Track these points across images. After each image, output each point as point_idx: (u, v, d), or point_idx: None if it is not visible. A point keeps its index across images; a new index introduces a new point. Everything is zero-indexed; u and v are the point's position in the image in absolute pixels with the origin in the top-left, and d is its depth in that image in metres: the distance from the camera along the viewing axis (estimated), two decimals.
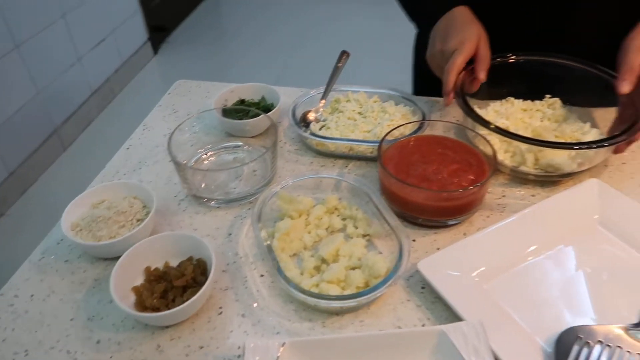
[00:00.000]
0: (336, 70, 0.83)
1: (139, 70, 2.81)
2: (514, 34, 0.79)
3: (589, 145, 0.60)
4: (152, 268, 0.57)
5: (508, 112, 0.74)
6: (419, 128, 0.71)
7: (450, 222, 0.63)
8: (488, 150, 0.63)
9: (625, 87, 0.62)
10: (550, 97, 0.77)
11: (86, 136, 2.34)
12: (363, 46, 2.59)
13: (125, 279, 0.55)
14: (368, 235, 0.62)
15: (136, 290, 0.54)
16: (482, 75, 0.71)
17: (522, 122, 0.73)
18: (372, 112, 0.78)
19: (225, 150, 0.77)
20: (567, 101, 0.76)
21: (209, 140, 0.78)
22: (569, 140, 0.68)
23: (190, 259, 0.57)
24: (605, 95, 0.71)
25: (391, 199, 0.64)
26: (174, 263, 0.58)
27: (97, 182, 0.74)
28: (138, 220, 0.62)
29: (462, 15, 0.75)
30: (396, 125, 0.70)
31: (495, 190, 0.68)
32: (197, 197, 0.69)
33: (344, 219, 0.64)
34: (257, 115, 0.75)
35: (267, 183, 0.70)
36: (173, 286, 0.54)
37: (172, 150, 0.67)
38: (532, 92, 0.78)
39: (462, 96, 0.68)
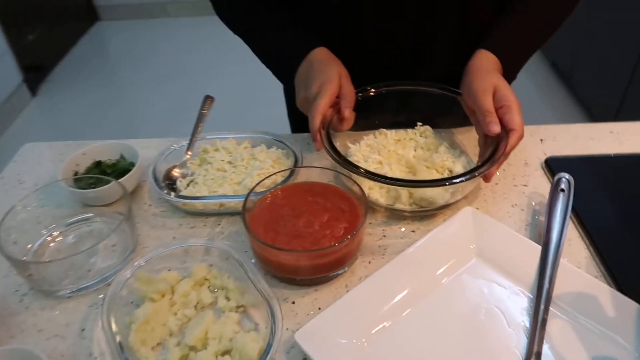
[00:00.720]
0: (201, 117, 0.77)
1: (17, 115, 2.56)
2: (374, 67, 0.77)
3: (458, 177, 0.58)
4: None
5: (381, 145, 0.72)
6: (290, 176, 0.66)
7: (332, 275, 0.59)
8: (360, 192, 0.60)
9: (494, 127, 0.62)
10: (421, 125, 0.76)
11: None
12: (245, 86, 2.55)
13: None
14: (242, 306, 0.56)
15: None
16: (347, 113, 0.68)
17: (395, 154, 0.71)
18: (241, 160, 0.73)
19: (78, 225, 0.68)
20: (436, 125, 0.76)
21: (60, 213, 0.68)
22: (439, 170, 0.67)
23: None
24: (462, 114, 0.72)
25: (263, 262, 0.58)
26: None
27: None
28: None
29: (320, 56, 0.73)
30: (265, 176, 0.65)
31: (375, 231, 0.65)
32: (43, 289, 0.59)
33: (214, 291, 0.58)
34: (108, 182, 0.66)
35: (128, 257, 0.62)
36: None
37: (2, 242, 0.57)
38: (404, 121, 0.77)
39: (329, 141, 0.65)
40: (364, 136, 0.76)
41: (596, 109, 2.27)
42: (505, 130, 0.62)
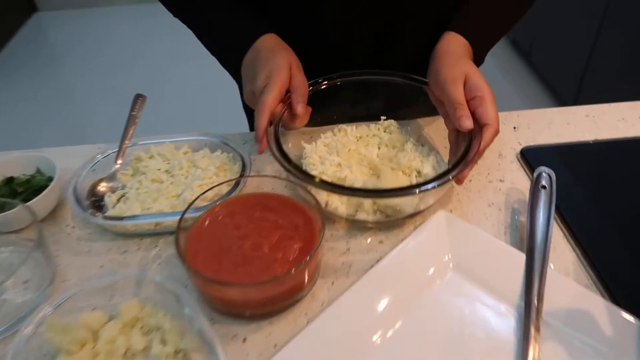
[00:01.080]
0: (131, 120, 0.66)
1: None
2: (334, 58, 0.68)
3: (428, 183, 0.50)
4: None
5: (340, 144, 0.63)
6: (235, 187, 0.57)
7: (288, 303, 0.50)
8: (315, 203, 0.51)
9: (466, 122, 0.54)
10: (385, 119, 0.67)
11: None
12: (200, 80, 2.40)
13: None
14: (182, 350, 0.47)
15: None
16: (299, 109, 0.59)
17: (356, 154, 0.62)
18: (180, 168, 0.63)
19: None
20: (400, 117, 0.68)
21: None
22: (406, 171, 0.59)
23: None
24: (429, 105, 0.64)
25: (205, 296, 0.49)
26: None
27: None
28: None
29: (267, 43, 0.63)
30: (206, 188, 0.55)
31: (337, 246, 0.57)
32: None
33: (148, 333, 0.48)
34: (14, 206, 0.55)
35: (43, 294, 0.52)
36: None
37: None
38: (365, 114, 0.69)
39: (277, 143, 0.55)
40: (322, 134, 0.67)
41: (558, 85, 2.25)
42: (479, 124, 0.55)
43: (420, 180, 0.58)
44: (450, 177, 0.50)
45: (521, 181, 0.65)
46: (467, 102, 0.55)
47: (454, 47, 0.60)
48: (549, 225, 0.54)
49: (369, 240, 0.57)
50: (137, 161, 0.65)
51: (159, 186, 0.61)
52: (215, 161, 0.63)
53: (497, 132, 0.55)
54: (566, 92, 2.15)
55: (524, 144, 0.71)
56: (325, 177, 0.58)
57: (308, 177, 0.51)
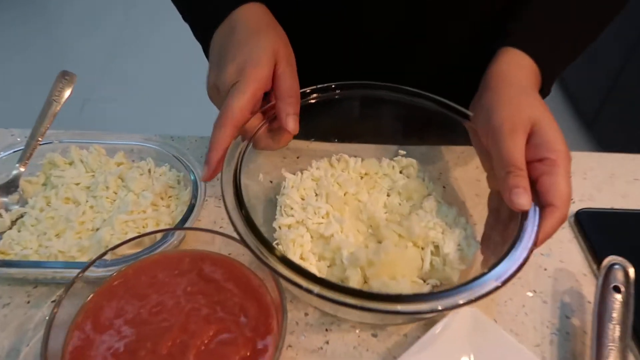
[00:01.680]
0: (48, 107, 0.48)
1: None
2: (334, 43, 0.49)
3: (447, 295, 0.32)
4: None
5: (335, 182, 0.45)
6: (165, 240, 0.38)
7: None
8: (276, 292, 0.33)
9: (521, 201, 0.35)
10: (404, 156, 0.49)
11: None
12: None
13: None
14: None
15: None
16: (290, 123, 0.40)
17: (355, 201, 0.44)
18: (105, 188, 0.44)
19: None
20: (419, 140, 0.49)
21: None
22: (418, 243, 0.41)
23: None
24: (459, 136, 0.45)
25: None
26: None
27: None
28: None
29: (248, 17, 0.43)
30: (127, 238, 0.38)
31: (309, 343, 0.39)
32: None
33: None
34: None
35: None
36: None
37: None
38: (372, 132, 0.50)
39: (235, 184, 0.37)
40: (313, 160, 0.48)
41: (581, 97, 2.02)
42: (541, 203, 0.36)
43: (438, 263, 0.40)
44: (480, 295, 0.32)
45: (575, 259, 0.47)
46: (529, 165, 0.36)
47: (514, 71, 0.41)
48: (623, 350, 0.37)
49: (356, 333, 0.40)
50: (50, 166, 0.47)
51: (71, 210, 0.43)
52: (157, 183, 0.45)
53: (564, 218, 0.36)
54: (588, 106, 1.92)
55: (579, 203, 0.53)
56: (301, 237, 0.40)
57: (268, 256, 0.32)
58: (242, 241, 0.33)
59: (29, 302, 0.40)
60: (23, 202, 0.45)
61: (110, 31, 2.29)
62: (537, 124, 0.37)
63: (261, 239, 0.33)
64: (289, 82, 0.41)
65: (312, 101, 0.44)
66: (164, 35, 2.08)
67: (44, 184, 0.47)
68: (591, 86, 1.83)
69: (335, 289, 0.31)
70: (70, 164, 0.47)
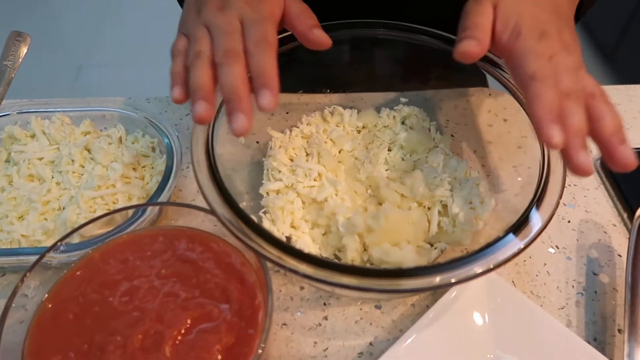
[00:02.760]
0: (1, 74, 0.42)
1: None
2: None
3: (459, 266, 0.27)
4: None
5: (329, 139, 0.40)
6: (136, 217, 0.34)
7: None
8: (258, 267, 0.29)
9: (465, 46, 0.30)
10: (406, 104, 0.43)
11: None
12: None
13: None
14: None
15: None
16: (316, 33, 0.33)
17: (351, 159, 0.39)
18: (70, 162, 0.40)
19: None
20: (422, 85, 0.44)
21: None
22: (423, 203, 0.36)
23: None
24: (469, 75, 0.40)
25: None
26: None
27: None
28: None
29: None
30: (95, 216, 0.33)
31: (305, 320, 0.35)
32: None
33: None
34: None
35: None
36: None
37: None
38: (368, 75, 0.45)
39: (206, 143, 0.32)
40: (304, 115, 0.43)
41: (601, 33, 1.90)
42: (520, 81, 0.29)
43: (446, 225, 0.35)
44: (500, 262, 0.27)
45: (603, 208, 0.42)
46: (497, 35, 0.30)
47: None
48: None
49: (358, 305, 0.36)
50: (11, 141, 0.42)
51: (34, 188, 0.39)
52: (127, 153, 0.40)
53: (558, 91, 0.27)
54: (607, 39, 1.80)
55: None
56: (291, 204, 0.35)
57: (238, 220, 0.28)
58: (212, 211, 0.28)
59: None
60: None
61: None
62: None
63: (233, 208, 0.28)
64: (298, 2, 0.34)
65: (296, 45, 0.38)
66: None
67: (7, 161, 0.42)
68: (609, 18, 1.70)
69: (324, 266, 0.26)
70: (32, 136, 0.42)
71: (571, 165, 0.27)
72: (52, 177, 0.40)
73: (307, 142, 0.40)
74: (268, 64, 0.29)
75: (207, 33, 0.31)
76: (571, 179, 0.44)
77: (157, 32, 1.98)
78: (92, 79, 1.80)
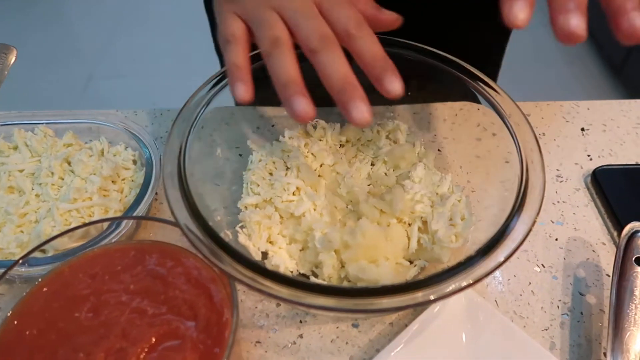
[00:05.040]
0: None
1: None
2: None
3: (447, 275, 0.26)
4: None
5: (310, 153, 0.39)
6: (110, 230, 0.33)
7: None
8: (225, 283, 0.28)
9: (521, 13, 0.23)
10: (390, 119, 0.42)
11: None
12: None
13: None
14: None
15: None
16: (386, 13, 0.32)
17: (332, 173, 0.38)
18: (49, 174, 0.40)
19: None
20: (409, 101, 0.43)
21: None
22: (401, 223, 0.35)
23: None
24: (456, 91, 0.39)
25: None
26: None
27: None
28: None
29: None
30: (68, 227, 0.33)
31: (279, 338, 0.34)
32: None
33: None
34: None
35: None
36: None
37: None
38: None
39: (180, 164, 0.31)
40: (286, 129, 0.42)
41: (609, 47, 1.90)
42: None
43: (426, 242, 0.34)
44: (476, 279, 0.26)
45: (592, 225, 0.41)
46: None
47: None
48: None
49: (334, 324, 0.35)
50: None
51: (13, 201, 0.38)
52: (106, 165, 0.40)
53: None
54: (615, 53, 1.79)
55: (597, 160, 0.46)
56: (268, 219, 0.34)
57: (217, 254, 0.27)
58: (175, 222, 0.28)
59: None
60: None
61: (112, 4, 2.21)
62: None
63: (203, 226, 0.28)
64: None
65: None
66: (170, 4, 2.03)
67: None
68: None
69: (296, 286, 0.26)
70: (15, 148, 0.42)
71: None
72: (32, 189, 0.39)
73: (288, 156, 0.39)
74: (379, 47, 0.27)
75: (279, 17, 0.28)
76: (561, 195, 0.43)
77: (167, 44, 2.02)
78: (102, 90, 1.83)
